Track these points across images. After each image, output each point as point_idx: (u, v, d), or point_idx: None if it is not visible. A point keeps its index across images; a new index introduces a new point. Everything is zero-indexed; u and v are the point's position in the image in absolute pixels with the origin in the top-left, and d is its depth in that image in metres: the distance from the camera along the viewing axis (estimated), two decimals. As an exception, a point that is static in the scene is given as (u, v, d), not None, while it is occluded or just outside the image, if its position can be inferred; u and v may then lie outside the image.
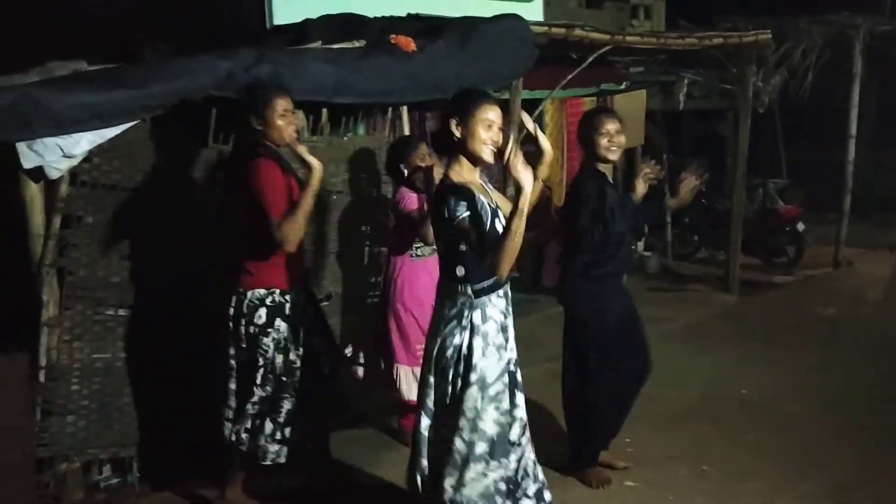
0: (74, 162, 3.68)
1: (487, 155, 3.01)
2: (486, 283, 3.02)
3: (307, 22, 5.10)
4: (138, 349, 4.00)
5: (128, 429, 4.03)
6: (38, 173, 3.61)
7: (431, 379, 3.10)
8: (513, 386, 3.09)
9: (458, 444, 3.01)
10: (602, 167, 3.90)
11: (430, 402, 3.12)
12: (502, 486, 3.04)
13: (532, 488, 3.16)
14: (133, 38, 6.43)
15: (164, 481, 4.03)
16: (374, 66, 4.34)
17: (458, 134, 2.99)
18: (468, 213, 2.92)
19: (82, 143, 3.64)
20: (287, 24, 5.66)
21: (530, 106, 5.58)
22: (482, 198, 3.01)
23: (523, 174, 2.75)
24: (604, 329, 3.87)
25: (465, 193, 2.95)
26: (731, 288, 7.88)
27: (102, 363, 3.94)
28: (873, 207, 11.46)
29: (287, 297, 3.56)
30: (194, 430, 3.90)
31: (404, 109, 5.00)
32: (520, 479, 3.13)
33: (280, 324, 3.54)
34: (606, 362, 3.89)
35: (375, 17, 5.13)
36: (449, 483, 3.02)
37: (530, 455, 3.18)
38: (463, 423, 3.01)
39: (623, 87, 8.27)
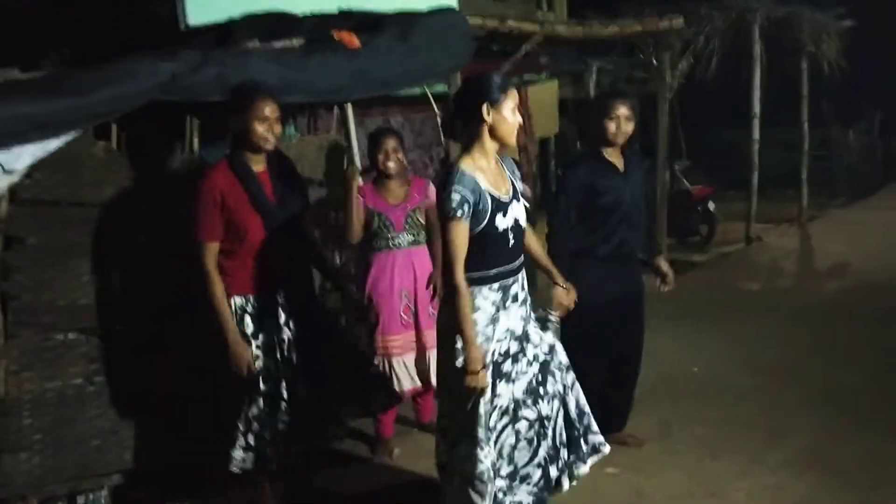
0: (16, 178, 3.40)
1: (514, 139, 3.08)
2: (475, 274, 3.03)
3: (231, 22, 4.87)
4: (97, 373, 3.74)
5: (86, 460, 3.76)
6: (-26, 192, 3.34)
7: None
8: (496, 377, 3.10)
9: (445, 423, 3.14)
10: (605, 151, 3.91)
11: None
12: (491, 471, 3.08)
13: (505, 470, 3.17)
14: (30, 42, 5.99)
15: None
16: (321, 64, 4.22)
17: (489, 120, 2.99)
18: (465, 206, 2.92)
19: (24, 156, 3.37)
20: (205, 24, 5.40)
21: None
22: (486, 190, 3.00)
23: None
24: (578, 311, 3.85)
25: (467, 184, 2.95)
26: (657, 269, 8.06)
27: (55, 392, 3.67)
28: (769, 183, 11.98)
29: (252, 302, 3.40)
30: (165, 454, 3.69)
31: (349, 106, 4.86)
32: (496, 460, 3.15)
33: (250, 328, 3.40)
34: (576, 343, 3.88)
35: (305, 15, 4.96)
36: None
37: (509, 439, 3.17)
38: (452, 405, 3.09)
39: (543, 76, 8.34)
